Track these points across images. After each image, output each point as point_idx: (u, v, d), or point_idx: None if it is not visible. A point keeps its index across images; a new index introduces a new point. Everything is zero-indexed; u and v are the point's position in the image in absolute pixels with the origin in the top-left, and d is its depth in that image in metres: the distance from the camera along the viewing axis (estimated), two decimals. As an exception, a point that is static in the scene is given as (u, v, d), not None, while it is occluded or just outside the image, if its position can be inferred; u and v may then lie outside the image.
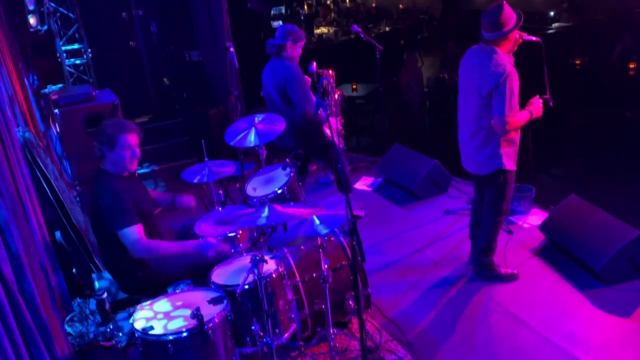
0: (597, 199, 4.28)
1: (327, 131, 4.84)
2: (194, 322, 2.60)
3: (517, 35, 3.64)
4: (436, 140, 7.53)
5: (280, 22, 10.03)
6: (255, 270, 2.71)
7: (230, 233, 3.43)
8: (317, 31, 11.14)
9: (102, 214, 3.19)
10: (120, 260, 3.30)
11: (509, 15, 3.53)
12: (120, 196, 3.20)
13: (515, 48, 3.67)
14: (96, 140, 3.30)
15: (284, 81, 4.60)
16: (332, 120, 4.47)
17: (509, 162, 3.73)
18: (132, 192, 3.31)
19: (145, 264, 3.32)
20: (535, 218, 4.80)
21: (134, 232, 3.15)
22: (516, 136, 3.74)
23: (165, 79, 8.53)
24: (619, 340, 3.37)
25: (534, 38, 3.72)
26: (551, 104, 3.75)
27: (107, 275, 3.78)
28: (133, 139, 3.30)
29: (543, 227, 4.49)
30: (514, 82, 3.50)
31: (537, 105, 3.70)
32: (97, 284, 3.89)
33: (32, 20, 7.06)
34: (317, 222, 2.90)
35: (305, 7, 11.43)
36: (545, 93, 3.77)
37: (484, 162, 3.75)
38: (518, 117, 3.59)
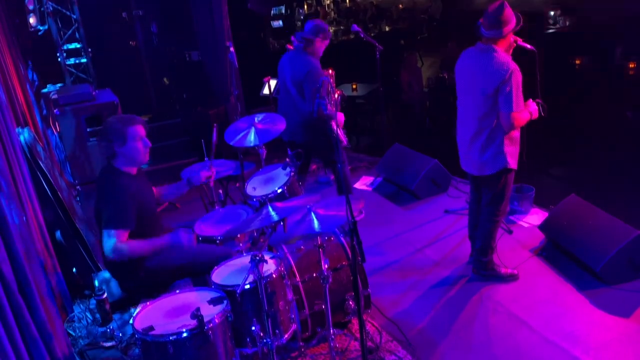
0: (597, 199, 4.28)
1: (335, 127, 4.86)
2: (194, 322, 2.60)
3: (512, 39, 3.65)
4: (436, 140, 7.53)
5: (281, 22, 10.03)
6: (256, 271, 2.71)
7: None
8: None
9: (102, 209, 3.16)
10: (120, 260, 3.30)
11: (510, 15, 3.54)
12: (124, 196, 3.17)
13: (510, 52, 3.68)
14: (104, 140, 3.24)
15: (304, 76, 4.59)
16: (340, 115, 4.49)
17: (513, 161, 3.74)
18: (139, 193, 3.28)
19: (146, 264, 3.31)
20: (535, 218, 4.80)
21: (117, 236, 3.10)
22: (517, 134, 3.75)
23: (165, 79, 8.54)
24: (619, 340, 3.37)
25: (528, 46, 3.74)
26: (544, 113, 3.75)
27: (107, 274, 3.78)
28: (141, 130, 3.28)
29: (543, 227, 4.49)
30: (518, 77, 3.52)
31: (534, 107, 3.72)
32: (97, 284, 3.89)
33: (32, 20, 7.08)
34: (316, 224, 2.89)
35: (305, 7, 11.43)
36: (539, 99, 3.78)
37: (488, 161, 3.75)
38: (522, 114, 3.61)
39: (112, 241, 3.09)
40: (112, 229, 3.10)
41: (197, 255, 3.41)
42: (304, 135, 4.74)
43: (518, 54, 3.70)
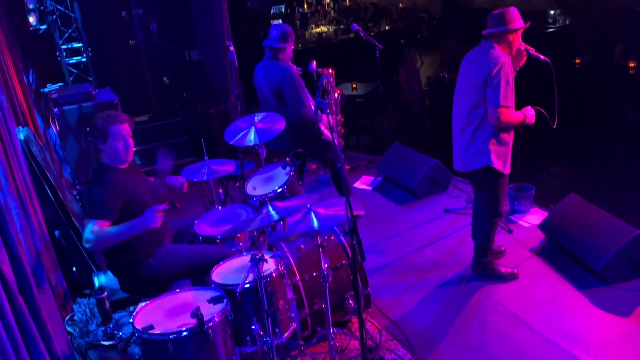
0: (597, 199, 4.28)
1: (324, 129, 4.86)
2: (194, 321, 2.60)
3: (523, 48, 3.64)
4: (436, 139, 7.51)
5: (280, 21, 10.02)
6: (255, 270, 2.71)
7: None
8: (317, 30, 11.12)
9: (84, 201, 3.16)
10: (121, 258, 3.30)
11: (513, 17, 3.54)
12: (107, 189, 3.14)
13: (520, 61, 3.68)
14: (89, 135, 3.29)
15: (280, 83, 4.60)
16: (330, 118, 4.48)
17: (498, 162, 3.68)
18: (128, 186, 3.24)
19: (146, 263, 3.31)
20: (535, 217, 4.80)
21: (94, 225, 3.03)
22: (508, 138, 3.71)
23: (165, 78, 8.53)
24: (619, 340, 3.37)
25: (542, 57, 3.68)
26: (552, 124, 3.73)
27: (107, 274, 3.78)
28: (124, 129, 3.23)
29: (543, 226, 4.49)
30: (509, 72, 3.50)
31: (530, 113, 3.70)
32: (97, 283, 3.89)
33: (31, 19, 7.08)
34: (316, 222, 2.90)
35: (305, 5, 11.42)
36: (554, 114, 3.73)
37: (472, 156, 3.72)
38: (513, 112, 3.59)
39: (87, 230, 3.02)
40: (90, 219, 3.06)
41: (197, 257, 3.41)
42: (291, 143, 4.73)
43: (529, 66, 3.69)
